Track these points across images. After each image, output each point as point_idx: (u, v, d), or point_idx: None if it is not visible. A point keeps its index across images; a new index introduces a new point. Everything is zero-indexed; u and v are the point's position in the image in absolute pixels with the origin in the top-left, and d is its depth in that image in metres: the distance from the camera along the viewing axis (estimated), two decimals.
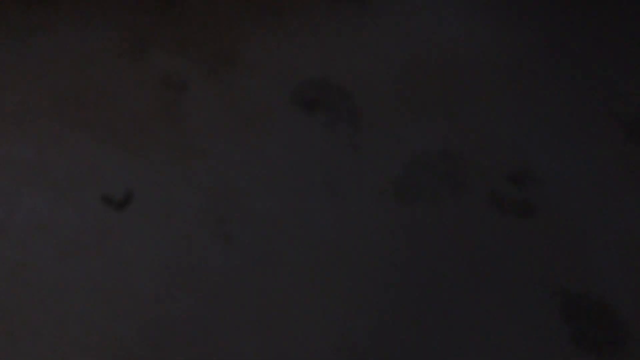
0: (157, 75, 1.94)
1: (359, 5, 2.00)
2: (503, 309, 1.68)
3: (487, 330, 1.65)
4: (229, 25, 1.99)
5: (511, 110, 1.92)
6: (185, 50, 1.96)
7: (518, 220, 1.79)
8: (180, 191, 1.84)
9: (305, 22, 1.99)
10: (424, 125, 1.90)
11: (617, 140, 1.89)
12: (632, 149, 1.87)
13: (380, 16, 1.99)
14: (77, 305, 1.68)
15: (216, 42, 1.97)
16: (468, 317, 1.66)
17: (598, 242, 1.78)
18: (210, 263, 1.74)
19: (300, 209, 1.82)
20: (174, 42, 1.97)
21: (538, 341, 1.65)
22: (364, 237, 1.78)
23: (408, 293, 1.70)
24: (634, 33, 2.02)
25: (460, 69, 1.95)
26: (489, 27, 1.98)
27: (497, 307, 1.68)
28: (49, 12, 1.99)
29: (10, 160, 1.87)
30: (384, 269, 1.73)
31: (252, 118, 1.92)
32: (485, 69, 1.95)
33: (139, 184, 1.85)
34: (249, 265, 1.74)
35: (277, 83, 1.94)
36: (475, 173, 1.84)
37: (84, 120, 1.90)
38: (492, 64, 1.96)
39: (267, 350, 1.61)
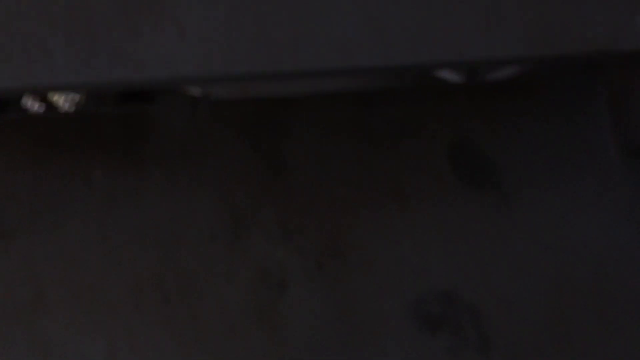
0: (254, 266, 1.65)
1: (499, 198, 1.67)
2: None
3: None
4: (342, 208, 1.69)
5: None
6: (288, 236, 1.67)
7: None
8: None
9: (434, 213, 1.67)
10: None
11: None
12: None
13: (523, 215, 1.66)
14: None
15: (324, 229, 1.68)
16: None
17: None
18: None
19: None
20: (276, 225, 1.68)
21: None
22: None
23: None
24: None
25: (615, 294, 1.60)
26: None
27: None
28: (137, 176, 1.72)
29: (78, 357, 1.61)
30: None
31: (360, 330, 1.61)
32: None
33: None
34: None
35: (395, 289, 1.63)
36: None
37: (164, 316, 1.63)
38: None
39: None
